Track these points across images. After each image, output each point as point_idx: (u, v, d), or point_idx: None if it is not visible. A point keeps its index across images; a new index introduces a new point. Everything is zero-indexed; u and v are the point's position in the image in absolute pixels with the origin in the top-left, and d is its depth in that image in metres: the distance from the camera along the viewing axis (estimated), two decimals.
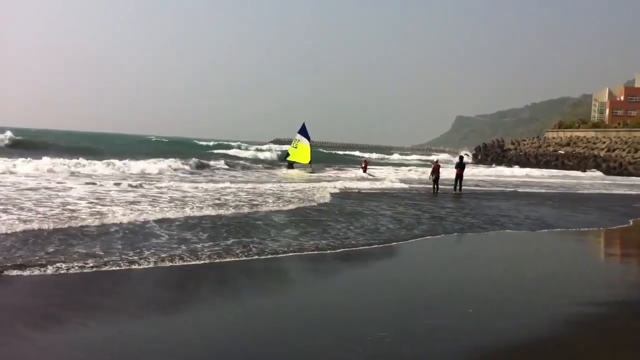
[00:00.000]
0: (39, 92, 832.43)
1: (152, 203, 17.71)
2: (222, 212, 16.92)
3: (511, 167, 76.57)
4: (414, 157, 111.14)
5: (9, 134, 53.66)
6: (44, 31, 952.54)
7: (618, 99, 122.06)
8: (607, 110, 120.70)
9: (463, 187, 31.78)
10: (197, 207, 17.35)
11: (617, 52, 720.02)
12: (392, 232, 15.61)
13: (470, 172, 50.59)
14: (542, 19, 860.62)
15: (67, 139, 76.01)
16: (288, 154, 46.55)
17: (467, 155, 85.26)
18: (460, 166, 31.69)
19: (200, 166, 40.66)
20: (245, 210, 17.76)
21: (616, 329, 8.20)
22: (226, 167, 43.38)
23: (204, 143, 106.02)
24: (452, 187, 31.33)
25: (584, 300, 9.59)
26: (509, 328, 7.89)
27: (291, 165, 45.83)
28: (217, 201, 19.31)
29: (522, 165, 78.44)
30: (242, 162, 51.60)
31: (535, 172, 63.32)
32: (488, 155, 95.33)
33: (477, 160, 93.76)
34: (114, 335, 6.96)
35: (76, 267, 9.57)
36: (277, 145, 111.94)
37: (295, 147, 45.67)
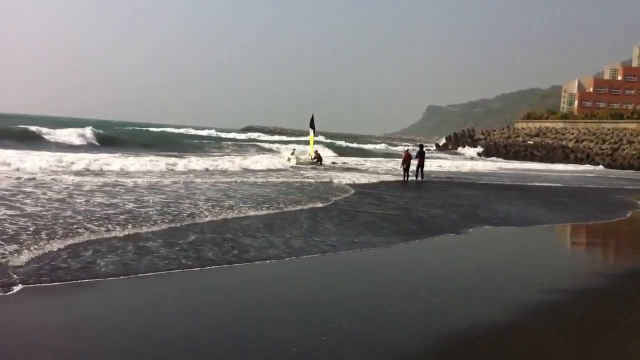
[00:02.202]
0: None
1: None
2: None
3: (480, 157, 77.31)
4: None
5: (89, 130, 48.52)
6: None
7: (587, 91, 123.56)
8: (576, 102, 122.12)
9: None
10: None
11: (587, 45, 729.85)
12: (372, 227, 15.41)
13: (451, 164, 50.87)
14: (513, 10, 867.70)
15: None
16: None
17: (429, 150, 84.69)
18: (421, 154, 32.39)
19: None
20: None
21: (578, 315, 8.27)
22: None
23: (186, 131, 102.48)
24: (414, 176, 31.75)
25: (550, 288, 9.67)
26: (474, 314, 7.90)
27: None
28: None
29: (489, 155, 79.41)
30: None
31: (534, 165, 63.36)
32: (458, 144, 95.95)
33: (449, 150, 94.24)
34: None
35: None
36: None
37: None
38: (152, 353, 5.95)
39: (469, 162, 63.70)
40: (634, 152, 73.18)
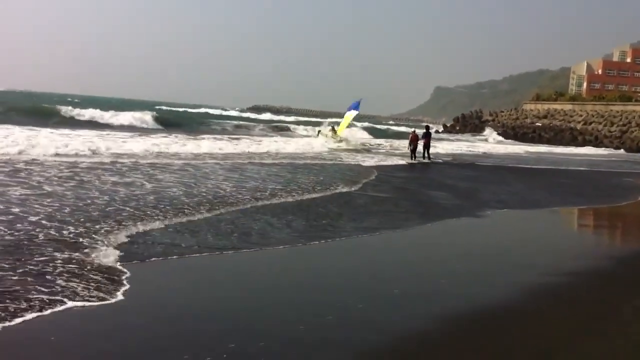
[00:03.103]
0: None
1: None
2: None
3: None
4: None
5: (149, 114, 50.47)
6: None
7: (596, 73, 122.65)
8: (585, 84, 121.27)
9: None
10: None
11: (596, 26, 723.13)
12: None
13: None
14: None
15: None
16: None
17: (437, 131, 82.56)
18: (427, 135, 32.52)
19: None
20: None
21: (582, 298, 8.33)
22: None
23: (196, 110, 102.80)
24: (422, 156, 32.02)
25: (555, 271, 9.72)
26: (479, 296, 7.97)
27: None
28: None
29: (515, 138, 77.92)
30: None
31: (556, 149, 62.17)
32: (466, 126, 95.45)
33: (456, 131, 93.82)
34: None
35: None
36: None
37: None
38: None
39: (498, 145, 62.56)
40: None
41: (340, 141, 39.13)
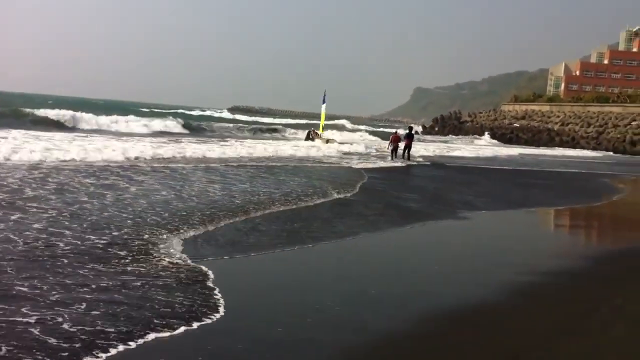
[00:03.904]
0: None
1: None
2: None
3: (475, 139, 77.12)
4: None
5: (174, 121, 50.81)
6: None
7: (574, 74, 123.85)
8: (563, 85, 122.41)
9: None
10: None
11: (574, 28, 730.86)
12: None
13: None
14: None
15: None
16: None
17: (417, 133, 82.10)
18: (409, 136, 32.56)
19: None
20: None
21: (559, 297, 8.31)
22: None
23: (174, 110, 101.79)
24: (401, 155, 32.07)
25: (535, 270, 9.69)
26: (457, 295, 7.93)
27: (308, 137, 42.93)
28: None
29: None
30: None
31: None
32: (445, 127, 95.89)
33: (435, 132, 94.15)
34: None
35: None
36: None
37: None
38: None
39: (490, 148, 61.27)
40: (618, 136, 73.57)
41: (328, 141, 39.50)
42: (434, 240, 12.39)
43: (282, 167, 22.78)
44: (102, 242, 8.89)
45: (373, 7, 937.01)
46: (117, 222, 10.28)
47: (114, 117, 45.72)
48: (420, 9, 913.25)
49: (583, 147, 72.86)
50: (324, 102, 43.18)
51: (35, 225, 9.51)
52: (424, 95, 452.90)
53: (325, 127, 44.74)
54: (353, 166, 25.91)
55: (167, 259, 8.29)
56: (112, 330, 5.73)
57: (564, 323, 7.11)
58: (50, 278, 7.05)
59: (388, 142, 33.27)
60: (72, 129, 38.11)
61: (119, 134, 36.16)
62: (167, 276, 7.54)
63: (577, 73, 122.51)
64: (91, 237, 9.12)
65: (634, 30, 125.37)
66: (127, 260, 8.05)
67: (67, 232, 9.29)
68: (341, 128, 74.16)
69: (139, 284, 7.14)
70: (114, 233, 9.53)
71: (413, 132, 34.14)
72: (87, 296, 6.57)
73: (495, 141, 77.43)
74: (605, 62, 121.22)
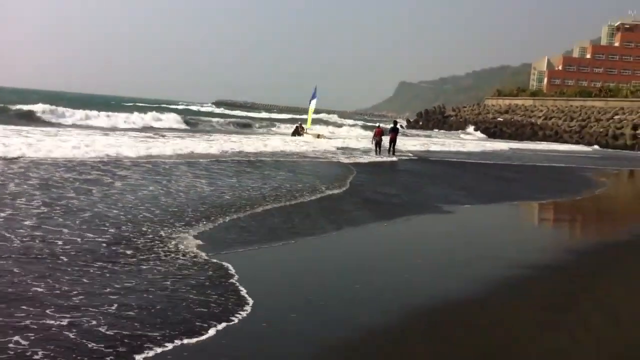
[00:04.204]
0: None
1: None
2: None
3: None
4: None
5: (175, 117, 50.93)
6: None
7: (556, 69, 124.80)
8: (546, 79, 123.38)
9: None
10: None
11: (557, 23, 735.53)
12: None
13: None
14: None
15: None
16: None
17: (402, 126, 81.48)
18: (394, 130, 32.49)
19: None
20: None
21: (540, 290, 8.35)
22: None
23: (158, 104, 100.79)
24: (388, 150, 31.88)
25: (518, 264, 9.72)
26: (441, 289, 7.95)
27: (295, 132, 42.79)
28: None
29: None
30: None
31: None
32: (429, 121, 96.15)
33: (419, 126, 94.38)
34: None
35: None
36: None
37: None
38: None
39: (477, 142, 60.66)
40: (601, 130, 74.15)
41: (319, 136, 39.49)
42: (427, 233, 12.41)
43: (284, 162, 22.77)
44: (102, 239, 8.76)
45: (358, 3, 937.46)
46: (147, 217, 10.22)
47: (131, 115, 45.86)
48: (405, 4, 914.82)
49: (566, 141, 73.36)
50: (313, 97, 43.22)
51: (27, 222, 9.33)
52: (409, 89, 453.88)
53: (318, 122, 44.84)
54: (342, 161, 25.82)
55: (181, 255, 8.26)
56: (153, 332, 5.63)
57: (546, 316, 7.13)
58: (66, 278, 6.89)
59: (372, 136, 33.24)
60: (53, 124, 37.42)
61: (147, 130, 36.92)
62: (189, 273, 7.51)
63: (560, 68, 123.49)
64: (89, 234, 8.99)
65: (616, 25, 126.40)
66: (139, 258, 7.96)
67: (64, 229, 9.12)
68: (334, 123, 73.74)
69: (168, 282, 7.08)
70: (112, 230, 9.40)
71: (397, 126, 34.10)
72: (113, 297, 6.44)
73: (482, 135, 77.68)
74: (588, 56, 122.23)
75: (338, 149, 33.09)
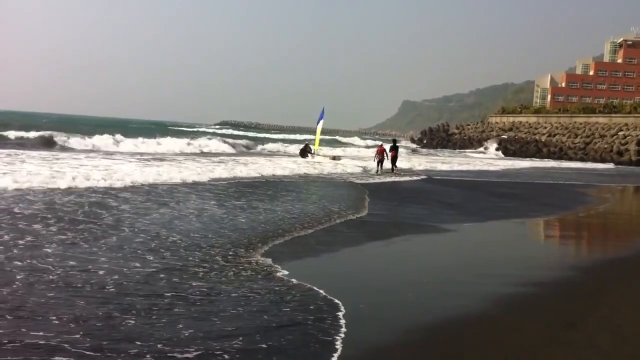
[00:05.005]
0: None
1: None
2: None
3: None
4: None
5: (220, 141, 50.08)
6: None
7: (559, 85, 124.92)
8: (549, 96, 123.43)
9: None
10: None
11: (560, 40, 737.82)
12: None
13: None
14: (487, 6, 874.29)
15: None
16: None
17: (400, 145, 79.33)
18: (394, 149, 33.33)
19: None
20: None
21: (546, 307, 8.27)
22: None
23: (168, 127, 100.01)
24: (389, 169, 32.55)
25: (521, 281, 9.67)
26: (446, 307, 7.88)
27: (304, 153, 41.78)
28: None
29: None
30: None
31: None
32: (433, 139, 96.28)
33: (423, 145, 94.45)
34: None
35: None
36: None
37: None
38: None
39: (499, 161, 60.86)
40: (605, 146, 73.97)
41: (334, 158, 40.01)
42: (420, 253, 12.31)
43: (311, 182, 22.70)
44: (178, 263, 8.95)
45: (360, 22, 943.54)
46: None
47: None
48: (408, 23, 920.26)
49: (571, 158, 73.19)
50: (321, 118, 43.31)
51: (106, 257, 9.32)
52: (412, 107, 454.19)
53: (333, 142, 44.62)
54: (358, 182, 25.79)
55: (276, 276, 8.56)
56: None
57: (550, 334, 7.04)
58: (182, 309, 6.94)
59: (374, 154, 33.44)
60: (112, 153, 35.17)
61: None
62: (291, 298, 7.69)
63: (563, 84, 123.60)
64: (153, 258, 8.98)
65: (619, 41, 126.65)
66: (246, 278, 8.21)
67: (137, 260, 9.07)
68: (348, 144, 73.65)
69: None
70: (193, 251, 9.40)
71: (397, 144, 34.75)
72: (240, 323, 6.56)
73: (498, 153, 77.55)
74: (591, 73, 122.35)
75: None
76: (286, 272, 8.85)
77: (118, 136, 42.85)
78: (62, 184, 16.14)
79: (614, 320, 7.90)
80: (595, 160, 69.86)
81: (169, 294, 7.42)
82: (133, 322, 6.40)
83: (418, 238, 13.56)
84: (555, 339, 6.88)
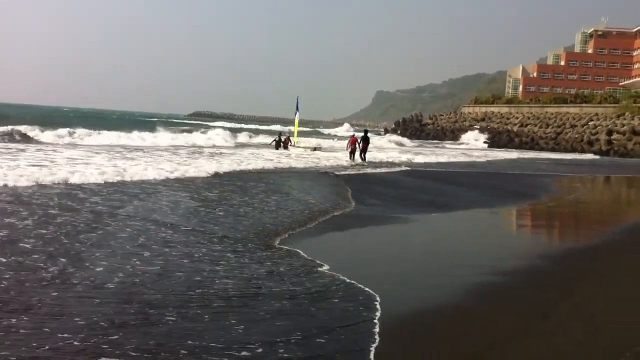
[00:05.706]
0: None
1: None
2: None
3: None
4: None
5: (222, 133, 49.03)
6: None
7: (531, 76, 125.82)
8: (521, 87, 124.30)
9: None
10: None
11: (532, 31, 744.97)
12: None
13: None
14: None
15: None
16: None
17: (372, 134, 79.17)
18: (365, 139, 33.46)
19: None
20: None
21: (518, 297, 8.26)
22: None
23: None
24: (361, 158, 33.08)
25: (494, 271, 9.61)
26: (417, 299, 7.82)
27: (278, 144, 39.98)
28: None
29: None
30: None
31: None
32: (407, 129, 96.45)
33: (397, 135, 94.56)
34: None
35: None
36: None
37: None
38: None
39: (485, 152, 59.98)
40: (576, 136, 74.72)
41: (315, 149, 39.96)
42: (392, 241, 12.20)
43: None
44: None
45: (333, 12, 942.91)
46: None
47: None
48: (381, 14, 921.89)
49: (542, 148, 73.78)
50: (297, 109, 43.14)
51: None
52: (386, 98, 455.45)
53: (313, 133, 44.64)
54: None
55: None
56: None
57: (523, 324, 6.99)
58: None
59: (347, 144, 33.76)
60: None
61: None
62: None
63: (535, 75, 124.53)
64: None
65: (589, 32, 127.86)
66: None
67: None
68: (327, 136, 73.42)
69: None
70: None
71: (368, 135, 34.64)
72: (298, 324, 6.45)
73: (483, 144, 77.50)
74: (562, 63, 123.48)
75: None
76: None
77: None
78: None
79: (586, 309, 7.86)
80: (566, 150, 70.39)
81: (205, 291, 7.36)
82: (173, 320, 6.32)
83: (384, 229, 13.48)
84: (529, 329, 6.81)
